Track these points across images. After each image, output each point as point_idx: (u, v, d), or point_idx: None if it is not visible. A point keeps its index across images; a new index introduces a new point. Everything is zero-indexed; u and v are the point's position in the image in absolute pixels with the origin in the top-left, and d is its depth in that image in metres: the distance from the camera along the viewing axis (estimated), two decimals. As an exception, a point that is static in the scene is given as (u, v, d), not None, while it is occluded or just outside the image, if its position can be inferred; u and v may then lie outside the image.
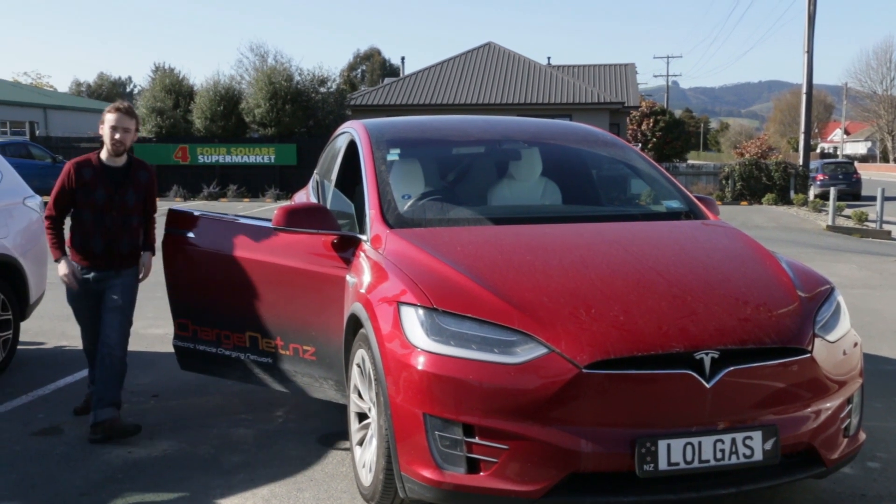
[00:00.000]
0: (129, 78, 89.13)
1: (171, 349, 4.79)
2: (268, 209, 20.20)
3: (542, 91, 30.10)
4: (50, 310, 7.51)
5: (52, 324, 7.14)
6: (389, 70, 69.14)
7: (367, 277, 3.49)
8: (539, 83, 30.61)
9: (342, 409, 4.02)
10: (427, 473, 2.91)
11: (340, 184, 4.72)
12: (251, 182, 25.43)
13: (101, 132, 4.30)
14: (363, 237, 3.80)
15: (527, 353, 2.90)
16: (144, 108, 28.00)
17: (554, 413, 2.83)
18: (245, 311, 4.30)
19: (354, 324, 3.51)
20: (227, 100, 27.45)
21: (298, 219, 3.87)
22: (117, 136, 4.26)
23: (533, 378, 2.86)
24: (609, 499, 2.85)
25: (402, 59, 50.28)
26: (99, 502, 3.57)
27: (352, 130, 4.71)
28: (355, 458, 3.55)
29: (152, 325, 7.05)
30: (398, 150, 4.39)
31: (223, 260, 4.32)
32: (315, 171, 5.86)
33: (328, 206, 4.56)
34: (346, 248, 3.89)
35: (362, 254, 3.71)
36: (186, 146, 25.97)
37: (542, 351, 2.89)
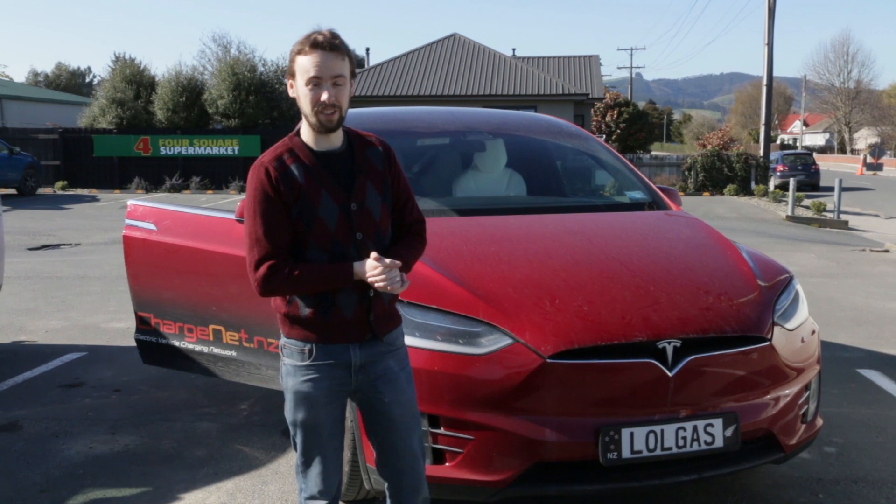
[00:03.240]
0: (89, 68, 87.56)
1: (133, 343, 4.72)
2: (231, 201, 20.00)
3: (507, 82, 30.14)
4: (7, 304, 7.37)
5: (9, 318, 7.00)
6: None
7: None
8: (504, 75, 30.64)
9: (308, 402, 4.00)
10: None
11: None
12: (214, 174, 25.13)
13: (291, 93, 2.30)
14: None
15: (492, 343, 2.91)
16: (104, 99, 27.58)
17: (519, 403, 2.85)
18: (208, 303, 4.26)
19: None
20: (190, 91, 27.17)
21: (262, 210, 3.82)
22: (324, 96, 2.22)
23: (498, 368, 2.87)
24: (573, 487, 2.88)
25: (367, 50, 50.04)
26: (59, 499, 3.51)
27: (315, 122, 4.67)
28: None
29: (114, 319, 6.95)
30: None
31: (186, 252, 4.26)
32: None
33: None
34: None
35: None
36: (148, 138, 25.58)
37: (507, 341, 2.90)
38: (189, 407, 4.71)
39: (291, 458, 3.92)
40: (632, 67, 71.29)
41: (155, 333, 4.45)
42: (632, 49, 72.16)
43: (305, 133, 2.32)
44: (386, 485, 2.51)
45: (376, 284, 2.22)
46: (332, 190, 2.28)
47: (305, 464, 2.41)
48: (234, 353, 4.22)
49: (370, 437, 2.48)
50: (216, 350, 4.27)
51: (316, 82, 2.22)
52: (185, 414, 4.59)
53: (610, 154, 4.83)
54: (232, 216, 4.07)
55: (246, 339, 4.14)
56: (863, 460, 3.89)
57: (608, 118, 39.03)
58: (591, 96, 32.15)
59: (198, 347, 4.30)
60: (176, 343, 4.37)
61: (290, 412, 2.38)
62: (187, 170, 25.09)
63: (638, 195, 4.48)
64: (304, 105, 2.25)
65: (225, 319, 4.20)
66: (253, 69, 26.87)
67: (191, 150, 25.41)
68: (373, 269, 2.21)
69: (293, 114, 26.17)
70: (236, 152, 25.36)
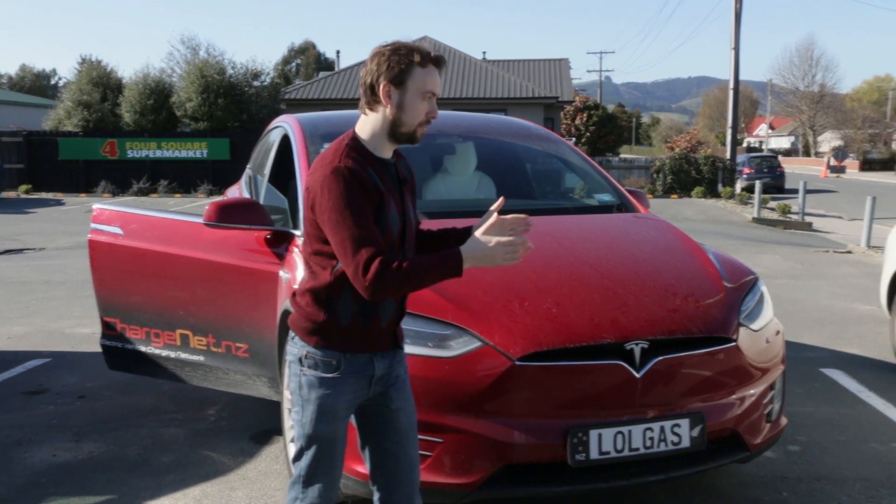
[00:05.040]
0: (54, 70, 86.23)
1: (98, 349, 4.65)
2: (200, 204, 19.80)
3: (478, 85, 30.23)
4: (-31, 310, 7.22)
5: (-29, 325, 6.87)
6: (324, 64, 68.56)
7: (300, 272, 3.45)
8: (474, 78, 30.73)
9: (275, 406, 3.98)
10: (361, 469, 2.87)
11: (274, 179, 4.66)
12: (183, 177, 24.88)
13: (385, 97, 2.22)
14: (297, 232, 3.76)
15: (461, 346, 2.92)
16: (70, 102, 27.22)
17: (488, 406, 2.86)
18: (176, 308, 4.21)
19: (285, 320, 3.47)
20: (158, 93, 26.91)
21: (231, 214, 3.81)
22: (434, 112, 2.27)
23: (467, 371, 2.88)
24: (542, 489, 2.89)
25: (338, 52, 49.93)
26: (22, 508, 3.45)
27: (285, 124, 4.65)
28: (289, 456, 3.52)
29: (79, 325, 6.84)
30: (331, 144, 4.35)
31: (153, 257, 4.21)
32: (248, 166, 5.77)
33: (261, 202, 4.50)
34: (280, 243, 3.84)
35: (296, 249, 3.67)
36: (115, 140, 25.25)
37: (476, 344, 2.91)
38: (155, 413, 4.65)
39: (259, 464, 3.89)
40: (601, 71, 71.95)
41: (121, 339, 4.40)
42: (601, 53, 73.12)
43: (369, 141, 2.27)
44: (377, 494, 2.44)
45: (512, 255, 2.21)
46: (395, 198, 2.27)
47: (311, 476, 2.31)
48: (201, 358, 4.18)
49: (368, 444, 2.42)
50: (183, 355, 4.23)
51: (430, 97, 2.24)
52: (152, 420, 4.53)
53: (579, 157, 4.87)
54: (200, 220, 4.03)
55: (214, 344, 4.11)
56: (825, 458, 3.95)
57: (578, 121, 39.26)
58: (560, 99, 32.37)
59: (164, 352, 4.26)
60: (142, 348, 4.32)
61: (308, 424, 2.28)
62: (155, 173, 24.81)
63: (607, 198, 4.52)
64: (411, 116, 2.23)
65: (193, 324, 4.16)
66: (222, 71, 26.67)
67: (158, 154, 25.15)
68: (512, 223, 2.26)
69: (262, 116, 25.98)
70: (205, 155, 25.13)
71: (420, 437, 2.81)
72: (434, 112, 2.25)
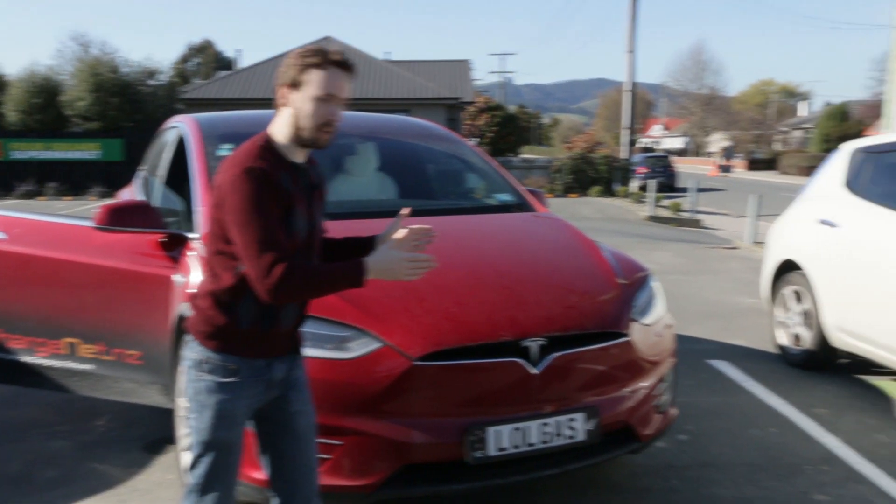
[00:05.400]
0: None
1: (-23, 360, 4.40)
2: (91, 208, 18.99)
3: (380, 86, 30.15)
4: None
5: None
6: (224, 63, 66.96)
7: (195, 276, 3.37)
8: (377, 78, 30.64)
9: (168, 415, 3.86)
10: (257, 475, 2.82)
11: (169, 180, 4.52)
12: (74, 179, 23.83)
13: (281, 101, 2.22)
14: (192, 235, 3.67)
15: (360, 347, 2.92)
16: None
17: (387, 406, 2.87)
18: (63, 316, 4.04)
19: (182, 324, 3.38)
20: (46, 91, 25.78)
21: (122, 217, 3.68)
22: (333, 116, 2.21)
23: (366, 373, 2.88)
24: (441, 487, 2.92)
25: (238, 51, 48.84)
26: None
27: (181, 125, 4.53)
28: (183, 465, 3.43)
29: (-43, 335, 6.44)
30: (230, 146, 4.26)
31: (39, 262, 4.02)
32: (142, 167, 5.59)
33: (156, 204, 4.37)
34: (174, 247, 3.74)
35: (190, 253, 3.58)
36: (-2, 141, 23.94)
37: (375, 345, 2.91)
38: (39, 426, 4.43)
39: (152, 475, 3.77)
40: (503, 72, 73.14)
41: (1, 349, 4.17)
42: (503, 54, 74.38)
43: (282, 144, 2.23)
44: (276, 500, 2.42)
45: (414, 272, 2.20)
46: (304, 204, 2.23)
47: (207, 484, 2.27)
48: (91, 367, 4.02)
49: (266, 449, 2.40)
50: (71, 364, 4.05)
51: (328, 99, 2.18)
52: (35, 433, 4.32)
53: (479, 157, 4.94)
54: (90, 223, 3.88)
55: (104, 352, 3.96)
56: (711, 446, 4.14)
57: (480, 122, 39.69)
58: (462, 100, 32.64)
59: (50, 362, 4.07)
60: (25, 359, 4.11)
61: (205, 431, 2.24)
62: (43, 175, 23.66)
63: (506, 197, 4.60)
64: (306, 119, 2.18)
65: (81, 332, 3.99)
66: (115, 69, 25.77)
67: (47, 155, 24.02)
68: (415, 235, 2.28)
69: (159, 116, 25.16)
70: (98, 157, 24.16)
71: (319, 440, 2.80)
72: (334, 116, 2.21)
